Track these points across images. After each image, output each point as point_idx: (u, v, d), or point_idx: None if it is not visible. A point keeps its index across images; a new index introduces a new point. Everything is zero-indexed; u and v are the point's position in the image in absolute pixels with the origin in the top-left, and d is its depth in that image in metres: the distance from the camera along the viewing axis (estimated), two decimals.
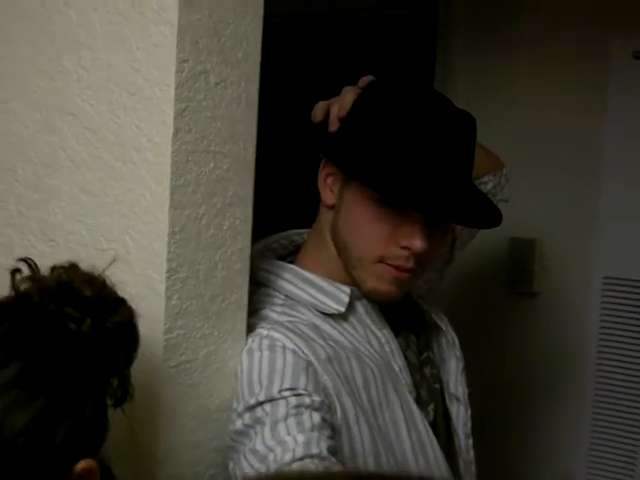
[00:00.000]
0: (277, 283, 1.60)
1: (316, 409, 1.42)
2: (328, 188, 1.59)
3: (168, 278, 1.37)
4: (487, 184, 1.88)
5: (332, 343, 1.54)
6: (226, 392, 1.48)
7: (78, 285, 1.15)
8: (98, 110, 1.42)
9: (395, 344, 1.62)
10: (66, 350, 1.11)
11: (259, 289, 1.60)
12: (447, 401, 1.72)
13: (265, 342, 1.49)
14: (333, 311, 1.57)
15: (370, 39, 3.24)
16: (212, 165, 1.42)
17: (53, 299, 1.13)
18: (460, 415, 1.73)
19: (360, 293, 1.59)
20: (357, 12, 3.27)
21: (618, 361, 2.64)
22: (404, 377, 1.61)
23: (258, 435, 1.40)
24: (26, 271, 1.17)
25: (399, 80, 1.61)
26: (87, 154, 1.43)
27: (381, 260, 1.53)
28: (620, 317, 2.64)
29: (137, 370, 1.24)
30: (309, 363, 1.47)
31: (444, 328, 1.76)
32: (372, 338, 1.60)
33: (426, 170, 1.50)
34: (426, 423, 1.60)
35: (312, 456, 1.35)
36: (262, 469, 1.36)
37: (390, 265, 1.53)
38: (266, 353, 1.47)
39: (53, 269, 1.17)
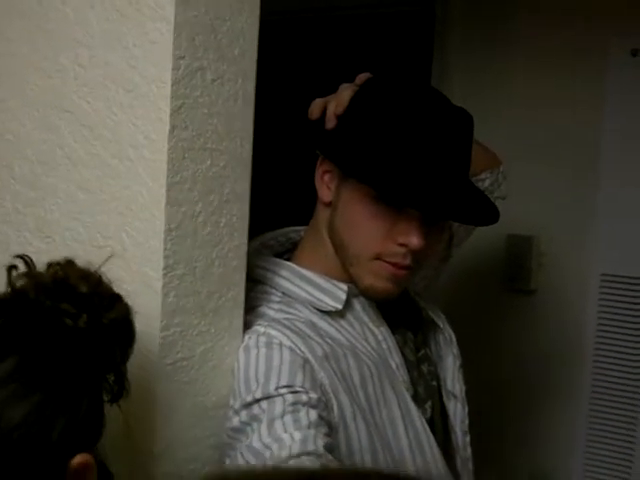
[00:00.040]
0: (274, 280, 1.60)
1: (313, 406, 1.42)
2: (325, 185, 1.59)
3: (165, 275, 1.37)
4: (484, 181, 1.88)
5: (329, 340, 1.54)
6: (223, 389, 1.48)
7: (74, 281, 1.15)
8: (95, 107, 1.42)
9: (392, 341, 1.62)
10: (62, 345, 1.11)
11: (256, 286, 1.59)
12: (444, 398, 1.72)
13: (262, 339, 1.49)
14: (330, 308, 1.57)
15: (367, 36, 3.24)
16: (209, 162, 1.42)
17: (49, 295, 1.13)
18: (457, 412, 1.73)
19: (357, 290, 1.59)
20: (354, 9, 3.27)
21: (615, 358, 2.65)
22: (401, 374, 1.61)
23: (255, 432, 1.40)
24: (22, 268, 1.17)
25: (396, 77, 1.60)
26: (84, 151, 1.43)
27: (378, 257, 1.53)
28: (617, 314, 2.65)
29: (133, 367, 1.24)
30: (306, 360, 1.47)
31: (441, 325, 1.76)
32: (369, 335, 1.60)
33: (423, 167, 1.49)
34: (423, 420, 1.60)
35: (309, 453, 1.35)
36: None
37: (387, 262, 1.53)
38: (263, 350, 1.47)
39: (49, 266, 1.18)
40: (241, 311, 1.51)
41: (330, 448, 1.39)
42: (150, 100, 1.37)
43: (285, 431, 1.38)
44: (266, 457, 1.36)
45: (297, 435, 1.37)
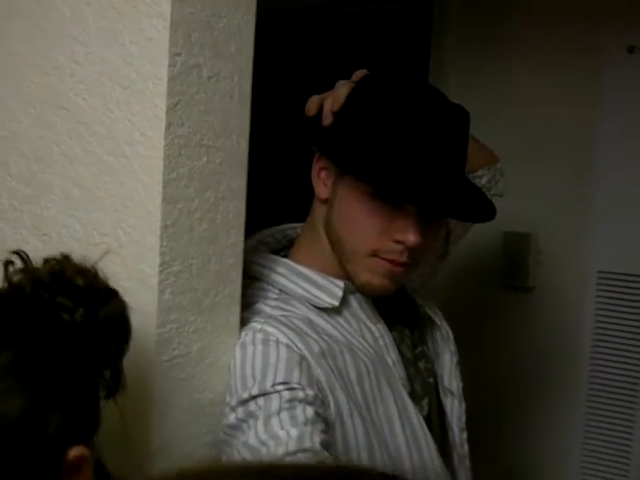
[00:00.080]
0: (271, 277, 1.60)
1: (309, 403, 1.42)
2: (322, 182, 1.59)
3: (161, 272, 1.36)
4: (481, 178, 1.88)
5: (326, 337, 1.54)
6: (219, 386, 1.48)
7: (71, 275, 1.15)
8: (91, 104, 1.42)
9: (389, 338, 1.62)
10: (59, 340, 1.12)
11: (253, 283, 1.60)
12: (441, 395, 1.72)
13: (258, 336, 1.49)
14: (327, 305, 1.57)
15: (364, 34, 3.24)
16: (205, 159, 1.42)
17: (46, 289, 1.14)
18: (454, 409, 1.73)
19: (354, 287, 1.59)
20: (351, 6, 3.27)
21: (612, 355, 2.65)
22: (398, 371, 1.61)
23: (251, 429, 1.40)
24: (19, 263, 1.17)
25: (393, 74, 1.60)
26: (80, 148, 1.43)
27: (375, 254, 1.53)
28: (615, 311, 2.65)
29: (130, 364, 1.24)
30: (302, 357, 1.47)
31: (438, 322, 1.76)
32: (366, 332, 1.60)
33: (420, 164, 1.49)
34: (420, 417, 1.60)
35: (305, 450, 1.35)
36: None
37: (384, 259, 1.53)
38: (259, 347, 1.47)
39: (46, 261, 1.18)
40: (238, 308, 1.51)
41: (327, 445, 1.39)
42: (146, 97, 1.37)
43: (281, 428, 1.38)
44: (262, 454, 1.36)
45: (293, 432, 1.37)
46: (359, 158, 1.51)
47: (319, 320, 1.56)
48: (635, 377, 2.62)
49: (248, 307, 1.55)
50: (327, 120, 1.58)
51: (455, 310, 1.96)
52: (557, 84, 2.70)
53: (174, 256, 1.38)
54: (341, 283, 1.58)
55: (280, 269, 1.60)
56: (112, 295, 1.19)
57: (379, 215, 1.51)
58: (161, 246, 1.36)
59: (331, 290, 1.57)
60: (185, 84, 1.37)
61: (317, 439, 1.37)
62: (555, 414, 2.75)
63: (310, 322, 1.55)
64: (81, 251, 1.28)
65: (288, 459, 1.33)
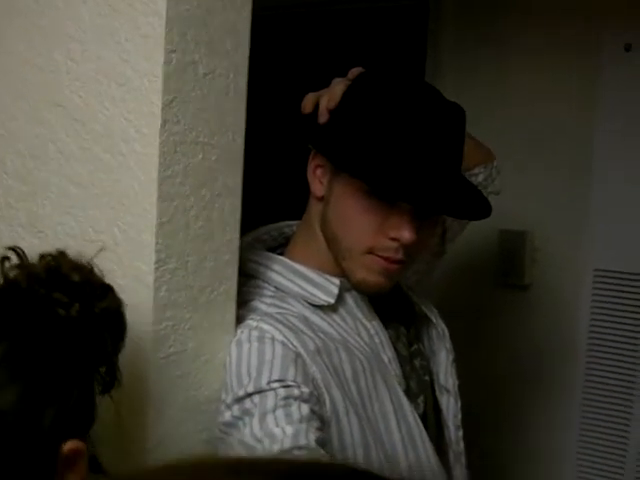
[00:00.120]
0: (267, 275, 1.60)
1: (305, 400, 1.42)
2: (317, 180, 1.59)
3: (156, 269, 1.37)
4: (478, 176, 1.88)
5: (321, 335, 1.54)
6: (215, 383, 1.48)
7: (66, 271, 1.16)
8: (87, 102, 1.42)
9: (385, 336, 1.62)
10: (54, 334, 1.12)
11: (249, 281, 1.60)
12: (437, 393, 1.72)
13: (254, 334, 1.49)
14: (322, 303, 1.57)
15: (359, 32, 3.24)
16: (200, 156, 1.42)
17: (42, 285, 1.14)
18: (450, 407, 1.73)
19: (349, 285, 1.59)
20: (347, 4, 3.27)
21: (608, 353, 2.65)
22: (393, 369, 1.61)
23: (247, 427, 1.40)
24: (15, 259, 1.18)
25: (388, 72, 1.60)
26: (76, 146, 1.43)
27: (370, 251, 1.53)
28: (610, 309, 2.65)
29: (126, 361, 1.24)
30: (298, 355, 1.47)
31: (434, 320, 1.76)
32: (362, 330, 1.60)
33: (415, 161, 1.49)
34: (416, 415, 1.60)
35: (300, 447, 1.35)
36: None
37: (379, 256, 1.53)
38: (255, 344, 1.47)
39: (42, 257, 1.18)
40: (233, 305, 1.51)
41: (322, 442, 1.39)
42: (142, 94, 1.37)
43: (277, 425, 1.38)
44: (258, 451, 1.36)
45: (289, 429, 1.37)
46: (354, 155, 1.51)
47: (315, 318, 1.56)
48: (631, 375, 2.62)
49: (244, 305, 1.55)
50: (323, 118, 1.58)
51: (451, 308, 1.96)
52: (554, 82, 2.70)
53: (170, 253, 1.38)
54: (337, 281, 1.58)
55: (276, 267, 1.60)
56: (108, 291, 1.19)
57: (374, 212, 1.51)
58: (157, 243, 1.36)
59: (327, 288, 1.58)
60: (181, 81, 1.37)
61: (312, 437, 1.37)
62: (551, 411, 2.75)
63: (306, 320, 1.55)
64: (77, 248, 1.28)
65: (285, 457, 1.34)
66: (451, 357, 1.76)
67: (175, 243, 1.39)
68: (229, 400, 1.45)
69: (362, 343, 1.58)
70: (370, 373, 1.56)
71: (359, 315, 1.60)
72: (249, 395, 1.42)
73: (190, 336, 1.44)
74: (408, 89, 1.55)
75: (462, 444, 1.75)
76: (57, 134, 1.44)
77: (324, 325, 1.56)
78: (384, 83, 1.57)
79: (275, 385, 1.42)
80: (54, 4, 1.44)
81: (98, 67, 1.40)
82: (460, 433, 1.75)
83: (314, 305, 1.57)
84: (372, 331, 1.61)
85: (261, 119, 1.81)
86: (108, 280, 1.21)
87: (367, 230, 1.52)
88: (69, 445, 1.08)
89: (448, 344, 1.77)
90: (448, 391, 1.73)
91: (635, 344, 2.62)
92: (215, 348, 1.48)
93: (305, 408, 1.41)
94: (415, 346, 1.71)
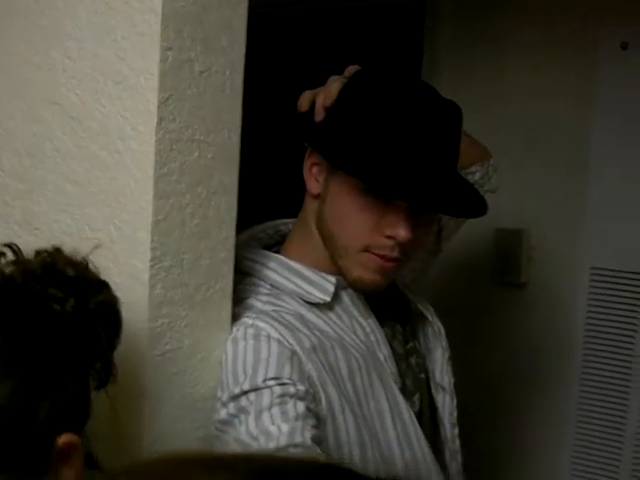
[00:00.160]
0: (262, 272, 1.60)
1: (300, 398, 1.42)
2: (313, 177, 1.59)
3: (152, 267, 1.37)
4: (474, 174, 1.88)
5: (317, 333, 1.54)
6: (211, 381, 1.48)
7: (62, 266, 1.16)
8: (83, 99, 1.42)
9: (380, 333, 1.62)
10: (49, 329, 1.12)
11: (244, 279, 1.60)
12: (433, 391, 1.72)
13: (250, 331, 1.49)
14: (318, 300, 1.57)
15: (355, 29, 3.23)
16: (196, 154, 1.42)
17: (37, 281, 1.14)
18: (446, 404, 1.73)
19: (346, 282, 1.59)
20: (343, 2, 3.27)
21: (604, 350, 2.66)
22: (389, 367, 1.61)
23: (242, 424, 1.40)
24: (10, 256, 1.18)
25: (385, 70, 1.60)
26: (72, 144, 1.42)
27: (366, 249, 1.53)
28: (607, 307, 2.66)
29: (122, 358, 1.24)
30: (294, 352, 1.47)
31: (430, 318, 1.76)
32: (357, 328, 1.60)
33: (411, 159, 1.50)
34: (411, 413, 1.60)
35: (296, 445, 1.35)
36: None
37: (375, 254, 1.53)
38: (251, 342, 1.48)
39: (37, 253, 1.18)
40: (229, 303, 1.51)
41: (318, 440, 1.39)
42: (138, 92, 1.37)
43: (273, 423, 1.38)
44: (254, 449, 1.36)
45: (285, 427, 1.37)
46: (350, 153, 1.51)
47: (310, 315, 1.57)
48: (626, 372, 2.62)
49: (240, 302, 1.55)
50: (319, 116, 1.58)
51: (448, 306, 1.96)
52: (550, 80, 2.71)
53: (165, 251, 1.38)
54: (333, 278, 1.58)
55: (272, 264, 1.60)
56: (103, 286, 1.19)
57: (370, 210, 1.51)
58: (152, 241, 1.36)
59: (323, 285, 1.58)
60: (177, 79, 1.37)
61: (308, 434, 1.37)
62: (547, 409, 2.75)
63: (301, 317, 1.55)
64: (73, 246, 1.28)
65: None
66: (447, 355, 1.76)
67: (171, 241, 1.39)
68: (225, 398, 1.45)
69: (358, 341, 1.58)
70: (366, 371, 1.56)
71: (355, 313, 1.60)
72: (245, 393, 1.42)
73: (186, 334, 1.44)
74: (404, 87, 1.55)
75: (458, 442, 1.75)
76: (53, 132, 1.44)
77: (320, 323, 1.56)
78: (380, 81, 1.57)
79: (271, 383, 1.42)
80: (53, 3, 1.44)
81: (94, 65, 1.40)
82: (456, 431, 1.75)
83: (310, 303, 1.57)
84: (368, 329, 1.61)
85: (257, 117, 1.81)
86: (104, 277, 1.21)
87: (363, 228, 1.52)
88: (64, 439, 1.08)
89: (444, 342, 1.77)
90: (444, 389, 1.73)
91: (631, 342, 2.62)
92: (211, 346, 1.48)
93: (301, 406, 1.41)
94: (411, 344, 1.71)
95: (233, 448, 1.39)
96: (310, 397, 1.44)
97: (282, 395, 1.41)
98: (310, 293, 1.57)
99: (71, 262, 1.18)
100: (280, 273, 1.59)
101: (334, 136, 1.55)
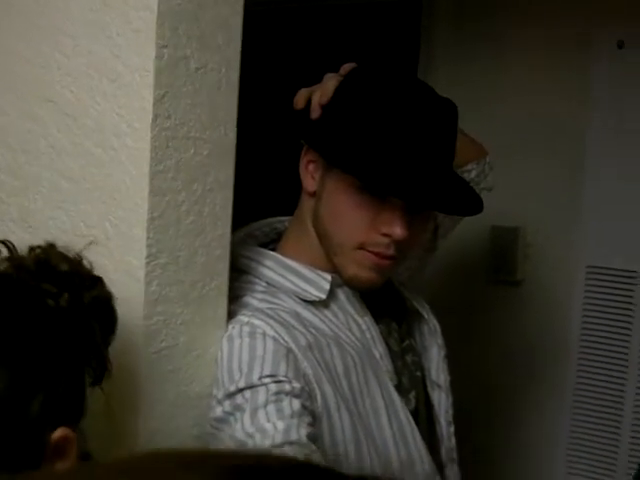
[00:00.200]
0: (258, 270, 1.60)
1: (296, 396, 1.42)
2: (309, 175, 1.59)
3: (147, 264, 1.36)
4: (470, 172, 1.88)
5: (313, 330, 1.54)
6: (206, 379, 1.48)
7: (55, 262, 1.16)
8: (78, 96, 1.41)
9: (376, 331, 1.62)
10: (42, 324, 1.12)
11: (240, 276, 1.60)
12: (429, 388, 1.73)
13: (245, 329, 1.49)
14: (314, 298, 1.57)
15: (352, 27, 3.23)
16: (192, 151, 1.42)
17: (31, 276, 1.14)
18: (442, 402, 1.73)
19: (341, 280, 1.59)
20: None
21: (600, 349, 2.66)
22: (385, 364, 1.61)
23: (238, 422, 1.40)
24: (5, 252, 1.18)
25: (381, 67, 1.61)
26: (67, 141, 1.42)
27: (362, 247, 1.53)
28: (602, 305, 2.66)
29: (117, 356, 1.24)
30: (289, 350, 1.47)
31: (426, 316, 1.76)
32: (353, 325, 1.60)
33: (406, 157, 1.50)
34: (407, 411, 1.60)
35: (291, 443, 1.35)
36: None
37: (371, 252, 1.53)
38: (246, 340, 1.47)
39: (31, 249, 1.19)
40: (225, 300, 1.51)
41: (313, 438, 1.40)
42: (133, 89, 1.36)
43: (268, 420, 1.38)
44: (249, 446, 1.36)
45: (280, 425, 1.37)
46: (346, 151, 1.51)
47: (306, 313, 1.57)
48: (622, 371, 2.62)
49: (235, 300, 1.55)
50: (315, 113, 1.58)
51: (443, 304, 1.96)
52: (547, 79, 2.71)
53: (161, 248, 1.38)
54: (328, 276, 1.58)
55: (268, 262, 1.60)
56: (97, 281, 1.19)
57: (366, 208, 1.51)
58: (148, 238, 1.36)
59: (318, 283, 1.58)
60: (172, 76, 1.37)
61: (304, 432, 1.38)
62: (543, 407, 2.75)
63: (297, 315, 1.55)
64: (68, 243, 1.28)
65: (275, 452, 1.33)
66: (443, 353, 1.77)
67: (166, 238, 1.39)
68: (220, 395, 1.45)
69: (353, 339, 1.58)
70: (361, 369, 1.56)
71: (351, 311, 1.60)
72: (240, 390, 1.42)
73: (181, 331, 1.44)
74: (400, 85, 1.55)
75: (454, 440, 1.75)
76: (48, 129, 1.44)
77: (315, 320, 1.56)
78: (376, 79, 1.57)
79: (266, 380, 1.42)
80: (48, 0, 1.44)
81: (89, 62, 1.40)
82: (452, 429, 1.75)
83: (305, 300, 1.57)
84: (364, 327, 1.61)
85: (253, 114, 1.81)
86: (99, 274, 1.21)
87: (359, 225, 1.52)
88: (58, 433, 1.08)
89: (440, 340, 1.77)
90: (440, 386, 1.73)
91: (627, 340, 2.62)
92: (206, 343, 1.48)
93: (296, 403, 1.41)
94: (407, 342, 1.71)
95: (228, 445, 1.39)
96: (306, 395, 1.44)
97: (278, 393, 1.41)
98: (306, 291, 1.57)
99: (65, 257, 1.18)
100: (276, 271, 1.59)
101: (330, 134, 1.55)
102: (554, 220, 2.71)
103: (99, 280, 1.20)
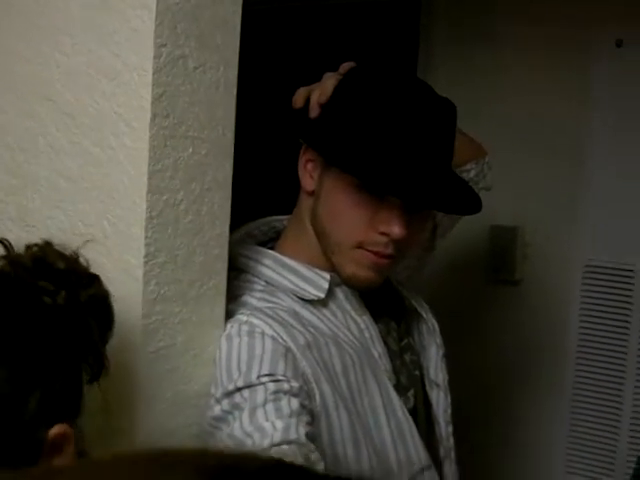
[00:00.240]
0: (257, 269, 1.60)
1: (295, 395, 1.42)
2: (308, 174, 1.59)
3: (146, 263, 1.36)
4: (469, 172, 1.88)
5: (311, 329, 1.54)
6: (205, 378, 1.48)
7: (52, 260, 1.16)
8: (77, 95, 1.41)
9: (375, 330, 1.62)
10: (39, 321, 1.12)
11: (239, 275, 1.60)
12: (427, 388, 1.72)
13: (244, 328, 1.49)
14: (313, 297, 1.57)
15: (351, 26, 3.23)
16: (190, 150, 1.41)
17: (28, 274, 1.14)
18: (440, 401, 1.73)
19: (340, 279, 1.59)
20: None
21: (598, 347, 2.66)
22: (384, 363, 1.61)
23: (236, 421, 1.40)
24: (1, 250, 1.18)
25: (380, 67, 1.61)
26: (65, 139, 1.42)
27: (360, 246, 1.53)
28: (601, 304, 2.66)
29: (115, 355, 1.24)
30: (288, 349, 1.47)
31: (424, 315, 1.76)
32: (352, 324, 1.60)
33: (405, 156, 1.50)
34: (405, 410, 1.60)
35: (290, 442, 1.35)
36: None
37: (369, 251, 1.53)
38: (245, 339, 1.47)
39: (28, 247, 1.19)
40: (223, 299, 1.51)
41: (312, 437, 1.39)
42: (132, 88, 1.36)
43: (267, 420, 1.38)
44: (248, 446, 1.36)
45: (279, 424, 1.37)
46: (345, 150, 1.51)
47: (305, 312, 1.56)
48: (620, 369, 2.63)
49: (234, 299, 1.55)
50: (314, 112, 1.58)
51: (442, 303, 1.96)
52: (546, 78, 2.71)
53: (159, 247, 1.38)
54: (327, 275, 1.58)
55: (266, 261, 1.60)
56: (94, 279, 1.19)
57: (364, 207, 1.51)
58: (146, 237, 1.36)
59: (317, 282, 1.58)
60: (170, 75, 1.37)
61: (302, 431, 1.37)
62: (541, 407, 2.76)
63: (296, 314, 1.55)
64: (66, 242, 1.28)
65: (273, 451, 1.33)
66: (441, 352, 1.77)
67: (164, 237, 1.39)
68: (219, 394, 1.44)
69: (352, 338, 1.58)
70: (360, 368, 1.56)
71: (349, 310, 1.60)
72: (239, 389, 1.42)
73: (180, 330, 1.44)
74: (399, 84, 1.55)
75: (452, 439, 1.75)
76: (47, 128, 1.44)
77: (314, 319, 1.56)
78: (375, 78, 1.57)
79: (265, 379, 1.42)
80: (50, 1, 1.44)
81: (88, 61, 1.40)
82: (450, 428, 1.75)
83: (304, 299, 1.57)
84: (362, 325, 1.61)
85: (252, 113, 1.81)
86: (98, 273, 1.21)
87: (357, 224, 1.52)
88: (56, 430, 1.08)
89: (438, 339, 1.77)
90: (438, 386, 1.73)
91: (625, 339, 2.63)
92: (205, 342, 1.48)
93: (295, 402, 1.41)
94: (405, 341, 1.71)
95: (227, 445, 1.39)
96: (304, 394, 1.44)
97: (276, 392, 1.41)
98: (304, 290, 1.57)
99: (61, 255, 1.18)
100: (274, 270, 1.59)
101: (329, 133, 1.55)
102: (553, 220, 2.72)
103: (96, 278, 1.20)
